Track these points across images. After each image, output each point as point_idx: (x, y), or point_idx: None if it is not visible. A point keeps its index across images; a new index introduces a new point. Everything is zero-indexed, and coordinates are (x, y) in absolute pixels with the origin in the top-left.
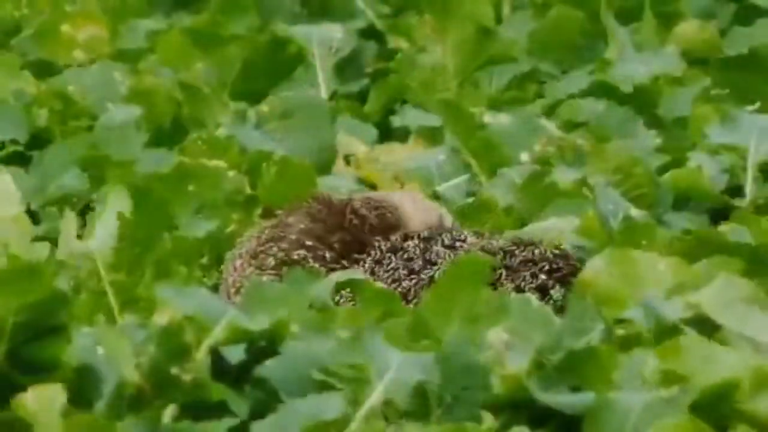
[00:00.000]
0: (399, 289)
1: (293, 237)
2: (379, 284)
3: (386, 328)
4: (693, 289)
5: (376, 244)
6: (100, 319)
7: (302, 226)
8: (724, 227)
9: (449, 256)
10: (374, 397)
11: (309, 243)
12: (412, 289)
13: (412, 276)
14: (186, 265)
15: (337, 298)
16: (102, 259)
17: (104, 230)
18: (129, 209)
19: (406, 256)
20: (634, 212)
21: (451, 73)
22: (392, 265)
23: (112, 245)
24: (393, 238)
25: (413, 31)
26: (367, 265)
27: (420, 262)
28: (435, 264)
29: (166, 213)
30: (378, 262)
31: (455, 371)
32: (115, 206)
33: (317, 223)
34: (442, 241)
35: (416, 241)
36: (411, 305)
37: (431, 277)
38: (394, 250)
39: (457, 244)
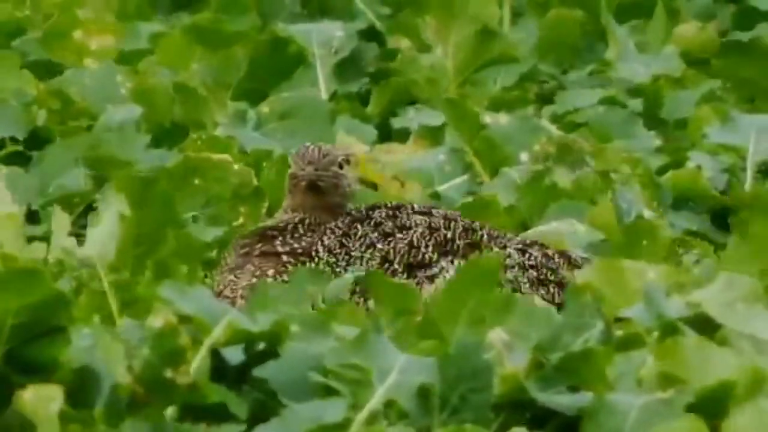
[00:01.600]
0: (377, 253)
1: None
2: (356, 253)
3: (393, 328)
4: (687, 291)
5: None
6: (98, 320)
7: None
8: None
9: (424, 221)
10: (375, 401)
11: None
12: (392, 251)
13: (389, 239)
14: (192, 261)
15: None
16: (102, 259)
17: (104, 230)
18: (128, 209)
19: (373, 222)
20: (647, 213)
21: (450, 74)
22: (360, 233)
23: (113, 245)
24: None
25: (413, 31)
26: (333, 240)
27: (390, 225)
28: (410, 229)
29: (171, 210)
30: (345, 234)
31: (463, 373)
32: (114, 206)
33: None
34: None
35: (385, 210)
36: (397, 265)
37: (410, 242)
38: (360, 220)
39: (434, 211)
